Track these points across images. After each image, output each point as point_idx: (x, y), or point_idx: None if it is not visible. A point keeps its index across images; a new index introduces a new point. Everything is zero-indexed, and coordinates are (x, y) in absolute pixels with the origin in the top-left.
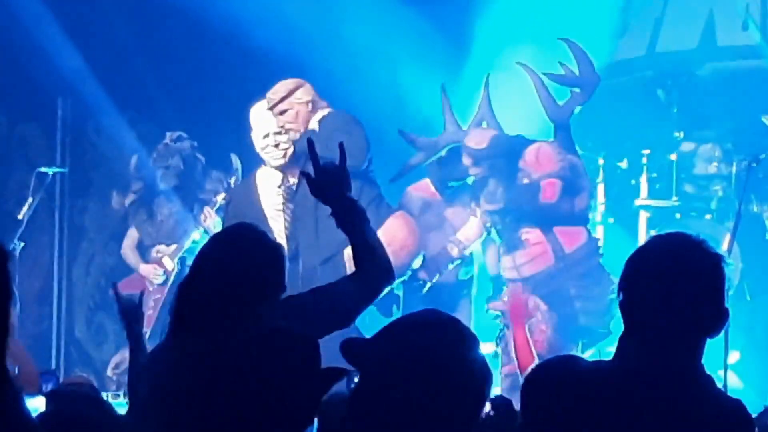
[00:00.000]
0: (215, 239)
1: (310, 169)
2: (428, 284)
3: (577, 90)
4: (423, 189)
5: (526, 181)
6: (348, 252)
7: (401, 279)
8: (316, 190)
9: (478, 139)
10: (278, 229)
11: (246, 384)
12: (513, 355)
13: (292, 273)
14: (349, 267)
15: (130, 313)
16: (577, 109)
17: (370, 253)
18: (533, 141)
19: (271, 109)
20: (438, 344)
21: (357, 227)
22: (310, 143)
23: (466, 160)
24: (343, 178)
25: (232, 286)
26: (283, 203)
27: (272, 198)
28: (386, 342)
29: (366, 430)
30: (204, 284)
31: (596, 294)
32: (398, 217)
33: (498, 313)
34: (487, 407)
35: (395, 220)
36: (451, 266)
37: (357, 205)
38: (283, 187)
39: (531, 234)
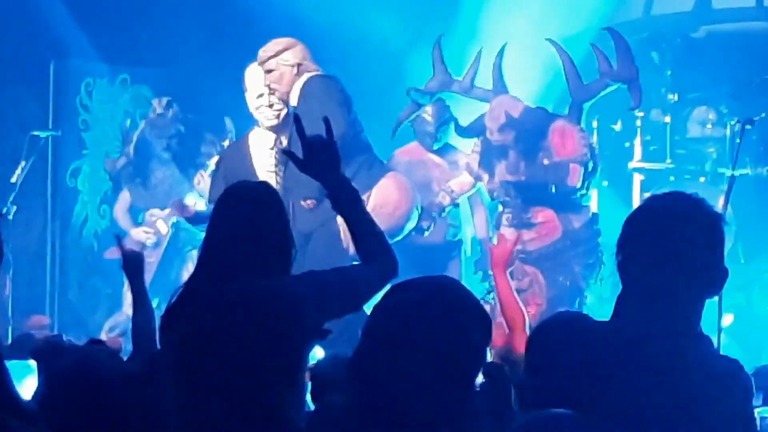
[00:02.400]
0: (228, 196)
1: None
2: (425, 233)
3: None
4: (412, 151)
5: (546, 161)
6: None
7: (396, 239)
8: (303, 167)
9: (510, 106)
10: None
11: (242, 333)
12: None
13: None
14: (343, 231)
15: (133, 265)
16: (602, 93)
17: (372, 241)
18: (555, 115)
19: (260, 65)
20: (439, 306)
21: (352, 209)
22: (297, 118)
23: (492, 124)
24: (331, 154)
25: (249, 242)
26: (276, 165)
27: (265, 159)
28: (388, 306)
29: (366, 391)
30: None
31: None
32: (390, 177)
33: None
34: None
35: (387, 181)
36: (444, 214)
37: (348, 183)
38: (275, 149)
39: (543, 213)
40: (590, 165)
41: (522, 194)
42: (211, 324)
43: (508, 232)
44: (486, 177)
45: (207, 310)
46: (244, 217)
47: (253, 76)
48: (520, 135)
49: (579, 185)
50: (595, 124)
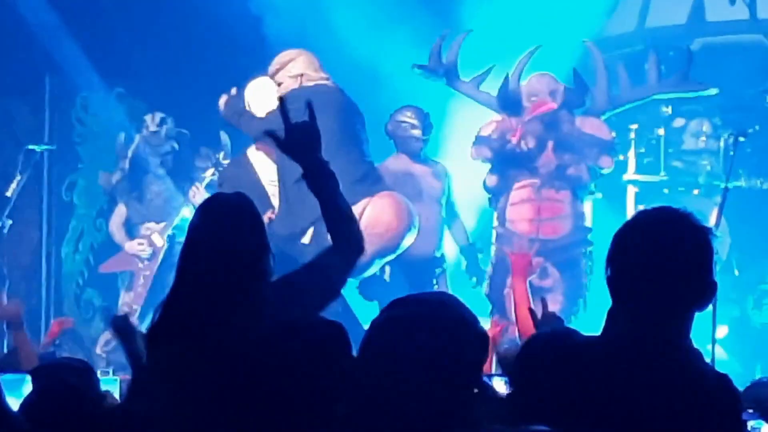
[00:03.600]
0: (203, 209)
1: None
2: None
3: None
4: (397, 163)
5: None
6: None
7: (389, 257)
8: (285, 148)
9: (552, 81)
10: (277, 204)
11: (278, 375)
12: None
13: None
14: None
15: (123, 332)
16: (619, 110)
17: (341, 222)
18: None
19: (272, 79)
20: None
21: (327, 189)
22: (282, 101)
23: (540, 86)
24: (312, 137)
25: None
26: (278, 178)
27: (269, 174)
28: (384, 321)
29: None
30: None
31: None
32: (384, 197)
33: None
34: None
35: (381, 201)
36: None
37: (327, 166)
38: (278, 159)
39: (564, 193)
40: (615, 157)
41: (563, 149)
42: (202, 342)
43: (525, 209)
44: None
45: (197, 327)
46: (219, 228)
47: (255, 94)
48: (565, 103)
49: (609, 169)
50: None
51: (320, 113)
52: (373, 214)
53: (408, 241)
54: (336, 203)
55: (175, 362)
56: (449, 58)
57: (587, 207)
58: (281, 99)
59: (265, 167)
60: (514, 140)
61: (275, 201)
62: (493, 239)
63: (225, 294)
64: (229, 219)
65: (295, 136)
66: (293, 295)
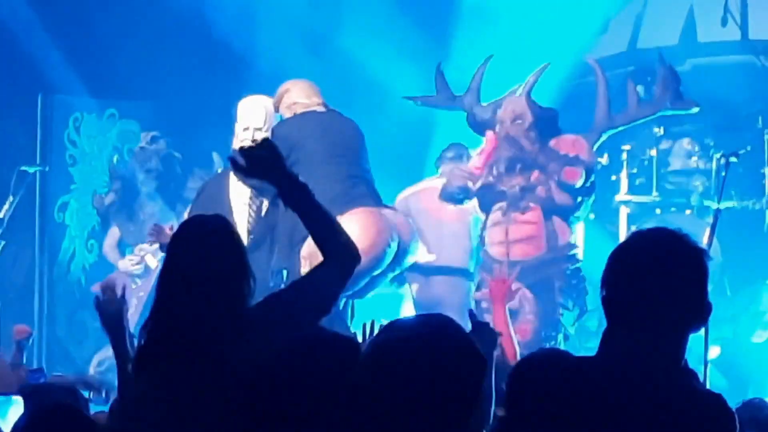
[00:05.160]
0: (182, 231)
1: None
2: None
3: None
4: (430, 202)
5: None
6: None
7: (362, 282)
8: (247, 173)
9: (523, 102)
10: (241, 222)
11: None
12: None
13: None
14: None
15: (113, 321)
16: (622, 128)
17: (326, 232)
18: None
19: (276, 111)
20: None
21: (304, 202)
22: (241, 150)
23: (506, 115)
24: (269, 153)
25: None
26: (250, 198)
27: (242, 191)
28: (381, 344)
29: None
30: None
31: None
32: (353, 214)
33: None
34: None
35: (348, 218)
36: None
37: (295, 178)
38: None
39: (533, 213)
40: (592, 177)
41: (529, 167)
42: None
43: (496, 233)
44: (484, 172)
45: (181, 352)
46: (198, 251)
47: (244, 109)
48: (533, 126)
49: (577, 184)
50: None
51: (305, 137)
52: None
53: (383, 263)
54: (317, 214)
55: (162, 386)
56: (473, 84)
57: (580, 227)
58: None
59: (241, 186)
60: (477, 172)
61: (238, 218)
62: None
63: (204, 318)
64: (206, 242)
65: (253, 157)
66: (282, 312)
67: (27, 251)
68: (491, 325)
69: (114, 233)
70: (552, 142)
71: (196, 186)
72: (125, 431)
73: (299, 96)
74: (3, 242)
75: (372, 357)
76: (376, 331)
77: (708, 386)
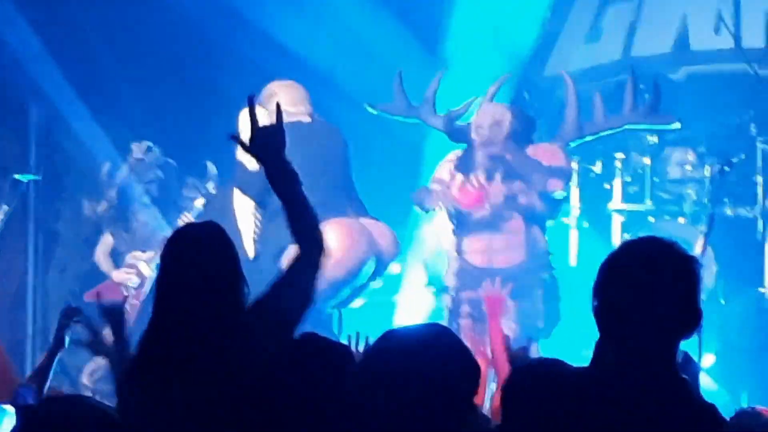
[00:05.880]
0: (175, 240)
1: None
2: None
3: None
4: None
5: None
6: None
7: (342, 293)
8: (250, 149)
9: (500, 109)
10: (247, 231)
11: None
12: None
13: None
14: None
15: (114, 315)
16: (589, 138)
17: (303, 220)
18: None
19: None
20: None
21: (289, 189)
22: (251, 99)
23: (482, 120)
24: (276, 139)
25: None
26: (255, 207)
27: (247, 201)
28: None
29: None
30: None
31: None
32: (329, 224)
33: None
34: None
35: (326, 227)
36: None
37: (289, 166)
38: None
39: (514, 222)
40: (569, 186)
41: (511, 177)
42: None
43: (476, 242)
44: (459, 178)
45: (177, 361)
46: (192, 260)
47: (245, 119)
48: (512, 134)
49: (557, 193)
50: (574, 165)
51: (296, 151)
52: None
53: (363, 274)
54: (300, 206)
55: (159, 395)
56: (428, 94)
57: (573, 236)
58: (250, 98)
59: (242, 198)
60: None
61: (247, 230)
62: (450, 269)
63: (201, 326)
64: (199, 250)
65: (262, 137)
66: (269, 315)
67: (20, 260)
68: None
69: (106, 241)
70: (529, 150)
71: (190, 195)
72: None
73: (285, 103)
74: None
75: (370, 364)
76: (361, 342)
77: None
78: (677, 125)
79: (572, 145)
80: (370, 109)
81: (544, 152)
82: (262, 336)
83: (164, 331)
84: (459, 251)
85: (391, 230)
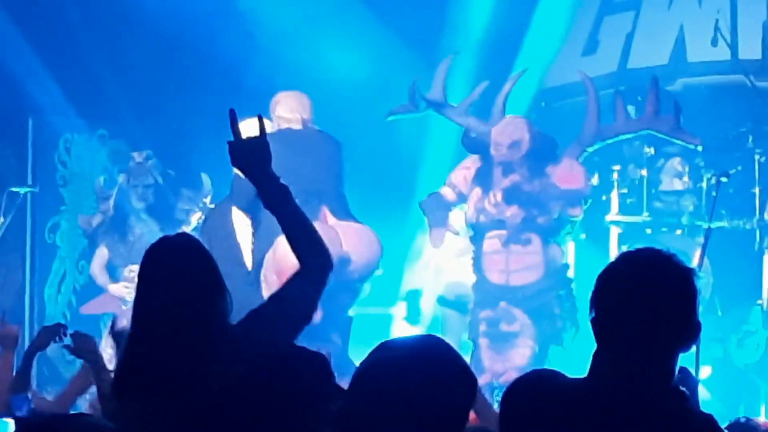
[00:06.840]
0: (152, 254)
1: None
2: None
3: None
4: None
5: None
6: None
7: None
8: (232, 161)
9: (522, 126)
10: (246, 243)
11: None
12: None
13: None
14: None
15: (84, 347)
16: (609, 141)
17: (304, 236)
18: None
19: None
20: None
21: (283, 204)
22: (232, 114)
23: (501, 138)
24: (260, 152)
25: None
26: (249, 218)
27: (243, 216)
28: (373, 363)
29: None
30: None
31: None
32: (342, 226)
33: None
34: None
35: (340, 229)
36: None
37: (278, 180)
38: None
39: (533, 243)
40: (586, 205)
41: (529, 204)
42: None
43: (497, 260)
44: (477, 193)
45: (159, 375)
46: (171, 272)
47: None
48: (530, 154)
49: (579, 217)
50: (595, 181)
51: (276, 155)
52: (277, 251)
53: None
54: (296, 217)
55: (143, 411)
56: (435, 85)
57: (570, 247)
58: (231, 111)
59: (241, 217)
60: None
61: (245, 243)
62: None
63: (180, 336)
64: (178, 263)
65: (243, 150)
66: (263, 328)
67: (17, 272)
68: None
69: (102, 254)
70: (549, 169)
71: (185, 207)
72: None
73: (284, 110)
74: None
75: (365, 376)
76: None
77: (699, 407)
78: (700, 147)
79: (591, 149)
80: (390, 118)
81: (563, 173)
82: (249, 348)
83: (143, 343)
84: (478, 269)
85: (375, 234)
